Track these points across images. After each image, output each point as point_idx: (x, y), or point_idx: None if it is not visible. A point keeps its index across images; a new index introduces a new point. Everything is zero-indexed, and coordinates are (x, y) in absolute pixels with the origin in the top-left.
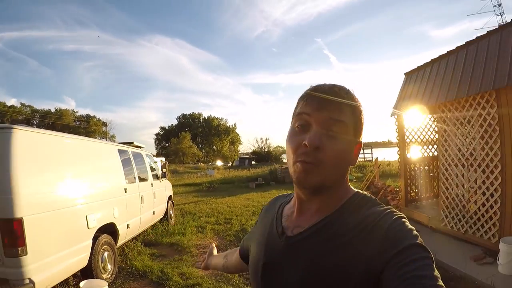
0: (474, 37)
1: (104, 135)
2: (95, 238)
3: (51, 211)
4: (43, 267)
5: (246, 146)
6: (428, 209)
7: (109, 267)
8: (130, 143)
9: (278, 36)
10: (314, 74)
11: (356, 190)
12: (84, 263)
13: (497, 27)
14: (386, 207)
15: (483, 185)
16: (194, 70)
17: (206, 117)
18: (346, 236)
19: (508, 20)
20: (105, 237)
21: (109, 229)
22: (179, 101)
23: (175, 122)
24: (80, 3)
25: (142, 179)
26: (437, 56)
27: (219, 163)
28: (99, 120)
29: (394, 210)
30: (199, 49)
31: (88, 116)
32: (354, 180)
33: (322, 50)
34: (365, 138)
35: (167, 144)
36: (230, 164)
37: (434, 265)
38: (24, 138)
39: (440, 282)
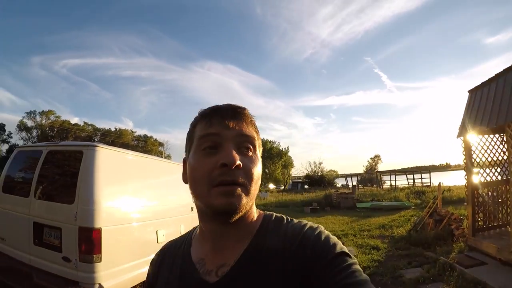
0: None
1: (160, 155)
2: None
3: (126, 224)
4: (113, 275)
5: (298, 169)
6: (497, 239)
7: None
8: None
9: (326, 57)
10: (365, 94)
11: (261, 211)
12: None
13: None
14: (301, 220)
15: None
16: (245, 93)
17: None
18: (276, 258)
19: None
20: None
21: None
22: None
23: None
24: (136, 33)
25: None
26: (501, 70)
27: (271, 186)
28: (156, 140)
29: (310, 222)
30: (249, 74)
31: (145, 136)
32: (413, 207)
33: (373, 69)
34: (422, 161)
35: None
36: (283, 187)
37: (361, 270)
38: (105, 155)
39: (371, 285)
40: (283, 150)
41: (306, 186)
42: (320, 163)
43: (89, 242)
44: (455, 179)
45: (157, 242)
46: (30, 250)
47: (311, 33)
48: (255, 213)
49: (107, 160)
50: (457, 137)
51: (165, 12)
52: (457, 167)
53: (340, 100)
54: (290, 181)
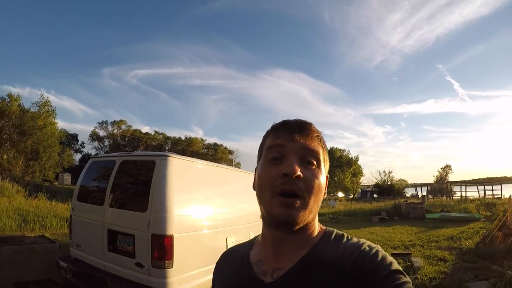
0: None
1: (230, 163)
2: None
3: (196, 232)
4: (184, 280)
5: (368, 178)
6: None
7: None
8: None
9: (397, 65)
10: (436, 103)
11: (324, 226)
12: None
13: None
14: (361, 240)
15: None
16: (315, 101)
17: (329, 148)
18: (330, 271)
19: None
20: None
21: None
22: None
23: None
24: (204, 43)
25: None
26: None
27: (340, 194)
28: (225, 148)
29: (368, 241)
30: (318, 81)
31: (215, 144)
32: (483, 219)
33: (444, 77)
34: (494, 172)
35: None
36: (352, 196)
37: None
38: (177, 164)
39: None
40: (353, 158)
41: (375, 195)
42: (389, 172)
43: (162, 249)
44: None
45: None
46: (104, 256)
47: (381, 39)
48: (316, 226)
49: (178, 169)
50: None
51: (234, 20)
52: None
53: (411, 108)
54: (359, 189)
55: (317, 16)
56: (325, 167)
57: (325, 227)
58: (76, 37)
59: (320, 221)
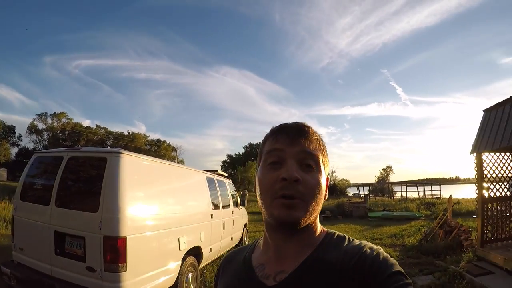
0: None
1: (173, 160)
2: (183, 260)
3: (149, 232)
4: (138, 284)
5: None
6: (504, 250)
7: (192, 287)
8: (215, 171)
9: (343, 68)
10: (380, 106)
11: (325, 228)
12: (171, 282)
13: None
14: (363, 241)
15: None
16: (260, 100)
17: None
18: (332, 273)
19: None
20: (191, 259)
21: (195, 252)
22: (245, 131)
23: (241, 150)
24: (151, 35)
25: (224, 206)
26: None
27: None
28: (169, 145)
29: (370, 244)
30: (265, 80)
31: (159, 140)
32: (423, 218)
33: (388, 82)
34: (432, 174)
35: (233, 172)
36: None
37: None
38: (130, 162)
39: None
40: None
41: None
42: (332, 172)
43: (115, 251)
44: (464, 193)
45: (179, 249)
46: (51, 261)
47: (329, 42)
48: (318, 228)
49: (131, 167)
50: (471, 153)
51: (182, 14)
52: (466, 181)
53: (355, 111)
54: None
55: (267, 15)
56: (325, 169)
57: (326, 229)
58: (15, 21)
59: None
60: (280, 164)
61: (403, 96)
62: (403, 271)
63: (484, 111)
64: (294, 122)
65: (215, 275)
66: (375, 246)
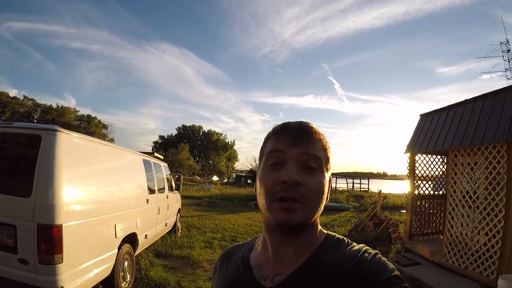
0: (492, 90)
1: (103, 138)
2: (119, 247)
3: (87, 219)
4: (75, 276)
5: (243, 164)
6: (430, 243)
7: (128, 276)
8: (151, 154)
9: (284, 57)
10: (316, 99)
11: (325, 231)
12: (108, 272)
13: None
14: (361, 245)
15: (487, 226)
16: (197, 82)
17: (206, 131)
18: (330, 276)
19: None
20: (127, 247)
21: (130, 239)
22: (179, 111)
23: (174, 132)
24: (91, 2)
25: (160, 191)
26: (454, 102)
27: (215, 178)
28: (99, 121)
29: (369, 248)
30: (205, 62)
31: (89, 116)
32: (352, 209)
33: (327, 76)
34: (361, 168)
35: (164, 154)
36: (226, 180)
37: None
38: (67, 141)
39: None
40: (229, 143)
41: (249, 181)
42: None
43: (50, 241)
44: (390, 188)
45: (116, 237)
46: None
47: (274, 31)
48: (318, 230)
49: (68, 147)
50: (405, 153)
51: None
52: (392, 177)
53: (291, 101)
54: (234, 174)
55: None
56: (328, 170)
57: (326, 231)
58: None
59: (196, 204)
60: (281, 166)
61: (340, 92)
62: (400, 275)
63: (421, 115)
64: (297, 122)
65: (213, 273)
66: (373, 250)
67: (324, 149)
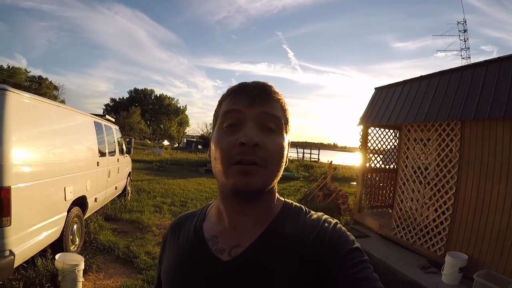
0: (447, 68)
1: (54, 99)
2: (69, 210)
3: (37, 181)
4: (24, 239)
5: (194, 129)
6: (379, 217)
7: (77, 240)
8: (102, 116)
9: (239, 24)
10: (269, 67)
11: (282, 198)
12: (57, 235)
13: (471, 64)
14: (320, 214)
15: (436, 202)
16: (150, 45)
17: (158, 95)
18: (290, 247)
19: (471, 45)
20: (76, 210)
21: (80, 202)
22: (130, 74)
23: (126, 95)
24: None
25: (111, 154)
26: (409, 78)
27: (165, 142)
28: (51, 83)
29: (328, 217)
30: (158, 25)
31: (40, 77)
32: (301, 179)
33: (282, 44)
34: (311, 138)
35: (115, 117)
36: (177, 145)
37: (372, 268)
38: (17, 101)
39: (380, 284)
40: (181, 108)
41: (200, 147)
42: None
43: None
44: (339, 160)
45: (65, 199)
46: None
47: None
48: (275, 198)
49: (18, 107)
50: (358, 125)
51: None
52: (342, 149)
53: (244, 67)
54: (185, 139)
55: None
56: (287, 132)
57: (283, 199)
58: None
59: (146, 168)
60: (238, 127)
61: (294, 61)
62: (360, 248)
63: (375, 88)
64: (255, 81)
65: (161, 244)
66: (332, 220)
67: (284, 110)
